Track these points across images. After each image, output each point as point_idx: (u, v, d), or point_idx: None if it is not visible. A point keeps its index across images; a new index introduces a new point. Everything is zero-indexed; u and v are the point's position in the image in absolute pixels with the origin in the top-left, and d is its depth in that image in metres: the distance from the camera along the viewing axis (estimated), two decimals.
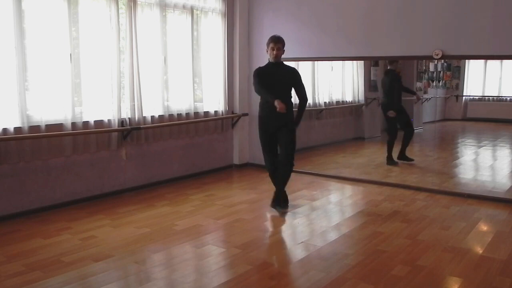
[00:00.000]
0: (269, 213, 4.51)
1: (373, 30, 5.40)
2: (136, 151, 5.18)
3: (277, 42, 4.32)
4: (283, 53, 4.42)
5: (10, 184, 4.16)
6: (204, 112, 5.92)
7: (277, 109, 4.05)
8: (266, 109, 4.38)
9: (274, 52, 4.32)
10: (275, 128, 4.40)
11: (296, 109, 4.54)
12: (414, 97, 7.25)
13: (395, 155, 6.68)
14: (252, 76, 4.47)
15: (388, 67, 6.61)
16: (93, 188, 4.80)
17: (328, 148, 7.67)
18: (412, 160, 6.64)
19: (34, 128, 4.21)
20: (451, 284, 3.00)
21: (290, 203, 4.73)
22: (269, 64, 4.46)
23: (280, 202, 4.50)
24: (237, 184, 5.80)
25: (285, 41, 4.47)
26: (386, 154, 6.69)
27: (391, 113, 6.55)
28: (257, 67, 4.53)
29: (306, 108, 4.64)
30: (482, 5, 4.73)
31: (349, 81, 7.37)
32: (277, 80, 4.35)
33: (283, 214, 4.45)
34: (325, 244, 3.64)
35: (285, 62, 4.44)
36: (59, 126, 4.41)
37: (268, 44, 4.38)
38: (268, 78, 4.33)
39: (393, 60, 6.33)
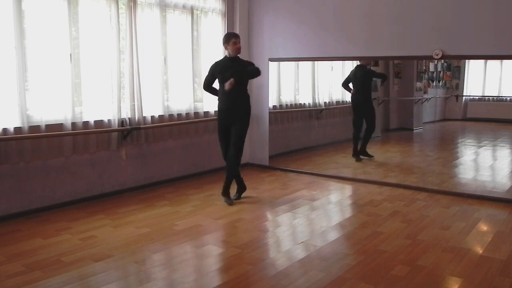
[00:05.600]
0: (269, 213, 4.52)
1: (373, 30, 5.40)
2: (136, 151, 5.18)
3: (238, 37, 4.61)
4: None
5: (10, 184, 4.16)
6: (204, 112, 5.92)
7: (227, 87, 4.44)
8: (224, 103, 4.64)
9: (237, 45, 4.56)
10: (230, 122, 4.64)
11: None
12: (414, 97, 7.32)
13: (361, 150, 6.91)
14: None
15: (359, 62, 6.79)
16: (93, 188, 4.80)
17: (328, 148, 7.68)
18: (372, 156, 6.82)
19: (34, 128, 4.21)
20: (451, 284, 3.00)
21: (290, 203, 4.74)
22: (225, 58, 4.67)
23: (229, 193, 4.80)
24: None
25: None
26: (353, 146, 6.91)
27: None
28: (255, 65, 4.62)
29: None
30: (482, 5, 4.73)
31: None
32: (235, 72, 4.52)
33: (230, 203, 4.67)
34: (325, 244, 3.64)
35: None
36: (59, 126, 4.41)
37: (229, 40, 4.55)
38: (227, 70, 4.54)
39: None
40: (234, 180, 4.87)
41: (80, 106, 4.62)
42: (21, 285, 2.88)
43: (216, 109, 5.98)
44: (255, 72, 4.66)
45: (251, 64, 4.76)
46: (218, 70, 4.62)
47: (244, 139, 4.70)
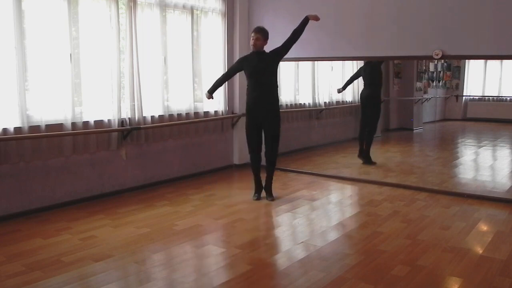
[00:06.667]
0: (269, 213, 4.52)
1: (373, 30, 5.40)
2: (136, 151, 5.18)
3: (257, 32, 4.61)
4: (264, 44, 4.67)
5: (10, 184, 4.16)
6: (204, 112, 5.92)
7: (313, 18, 4.62)
8: (251, 97, 4.66)
9: (252, 41, 4.62)
10: (261, 117, 4.66)
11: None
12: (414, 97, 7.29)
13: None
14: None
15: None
16: (93, 188, 4.80)
17: (328, 148, 7.68)
18: (374, 163, 6.57)
19: (34, 128, 4.21)
20: (451, 284, 3.00)
21: (290, 203, 4.75)
22: (252, 52, 4.74)
23: (266, 193, 4.91)
24: (237, 184, 5.80)
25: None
26: (359, 147, 6.73)
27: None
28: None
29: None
30: (482, 5, 4.73)
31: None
32: (259, 67, 4.61)
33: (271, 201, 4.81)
34: (325, 244, 3.64)
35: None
36: (59, 126, 4.40)
37: (250, 34, 4.70)
38: (250, 65, 4.65)
39: None
40: (254, 179, 4.91)
41: (80, 106, 4.62)
42: (21, 285, 2.88)
43: (216, 109, 6.09)
44: (294, 34, 4.60)
45: (276, 48, 4.66)
46: (244, 64, 4.70)
47: (279, 136, 4.74)
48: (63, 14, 4.31)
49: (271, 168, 4.84)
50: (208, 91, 4.89)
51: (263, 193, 4.92)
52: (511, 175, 6.39)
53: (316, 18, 4.65)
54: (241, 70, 4.78)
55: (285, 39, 4.62)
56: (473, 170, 6.77)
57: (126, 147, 5.04)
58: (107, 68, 4.74)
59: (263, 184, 4.93)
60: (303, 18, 4.63)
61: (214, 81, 4.91)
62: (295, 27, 4.65)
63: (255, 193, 4.91)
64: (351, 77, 6.86)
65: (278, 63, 4.74)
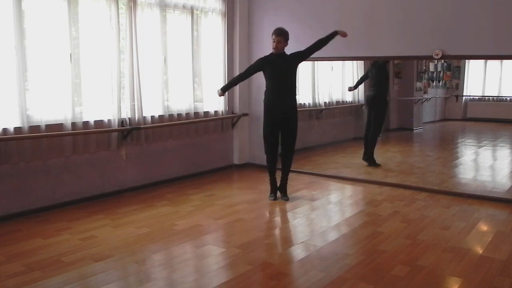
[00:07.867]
0: (269, 213, 4.52)
1: (373, 30, 5.40)
2: (136, 151, 5.18)
3: (278, 35, 4.56)
4: (285, 46, 4.64)
5: (10, 184, 4.16)
6: (204, 112, 5.92)
7: (342, 34, 4.66)
8: (271, 98, 4.63)
9: (274, 44, 4.58)
10: (280, 118, 4.62)
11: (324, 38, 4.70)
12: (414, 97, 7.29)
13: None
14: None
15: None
16: (93, 188, 4.80)
17: (328, 148, 7.68)
18: (378, 165, 6.51)
19: (34, 128, 4.21)
20: (451, 284, 3.00)
21: (290, 203, 4.75)
22: (271, 53, 4.68)
23: (281, 193, 4.91)
24: (237, 184, 5.80)
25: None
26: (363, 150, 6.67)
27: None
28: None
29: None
30: (482, 5, 4.73)
31: (349, 81, 7.38)
32: (280, 69, 4.60)
33: (285, 201, 4.81)
34: (325, 244, 3.65)
35: None
36: (59, 126, 4.41)
37: (271, 36, 4.63)
38: (271, 66, 4.61)
39: None
40: (270, 180, 4.91)
41: (80, 106, 4.62)
42: (21, 285, 2.88)
43: (216, 109, 6.09)
44: (319, 43, 4.63)
45: (298, 52, 4.67)
46: (265, 65, 4.65)
47: (296, 137, 4.75)
48: (63, 14, 4.31)
49: (288, 168, 4.86)
50: (221, 89, 4.88)
51: (278, 193, 4.92)
52: (511, 175, 6.39)
53: (344, 35, 4.68)
54: (260, 71, 4.74)
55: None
56: (473, 170, 6.77)
57: (126, 147, 5.04)
58: (107, 68, 4.74)
59: (278, 184, 4.93)
60: (331, 31, 4.66)
61: (230, 79, 4.92)
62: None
63: (271, 193, 4.91)
64: (361, 77, 6.87)
65: (298, 65, 4.72)
